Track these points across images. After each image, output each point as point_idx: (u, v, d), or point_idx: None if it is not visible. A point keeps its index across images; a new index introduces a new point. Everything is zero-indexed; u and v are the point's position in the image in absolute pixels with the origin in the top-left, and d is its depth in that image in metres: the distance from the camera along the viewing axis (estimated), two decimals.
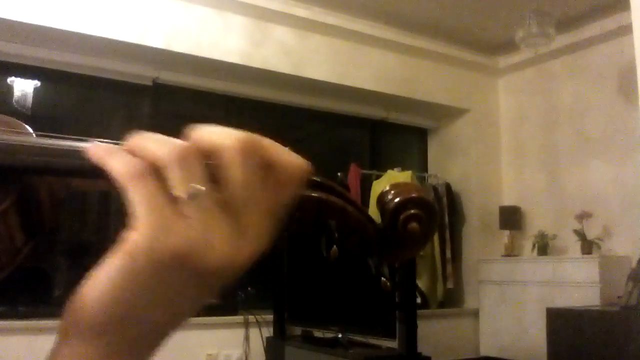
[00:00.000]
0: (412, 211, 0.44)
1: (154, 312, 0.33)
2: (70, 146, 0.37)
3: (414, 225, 0.43)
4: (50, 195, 0.39)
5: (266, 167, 0.36)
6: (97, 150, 0.35)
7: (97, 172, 0.34)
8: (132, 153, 0.34)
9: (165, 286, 0.33)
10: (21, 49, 3.71)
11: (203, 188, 0.33)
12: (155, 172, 0.33)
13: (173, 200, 0.32)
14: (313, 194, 0.42)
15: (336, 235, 0.43)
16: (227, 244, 0.33)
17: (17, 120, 0.45)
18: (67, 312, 0.33)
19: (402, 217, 0.44)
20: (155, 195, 0.32)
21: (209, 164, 0.34)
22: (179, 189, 0.32)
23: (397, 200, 0.44)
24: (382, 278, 0.45)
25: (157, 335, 0.34)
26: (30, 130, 0.45)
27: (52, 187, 0.38)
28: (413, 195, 0.44)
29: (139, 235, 0.32)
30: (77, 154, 0.36)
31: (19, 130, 0.41)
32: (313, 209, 0.42)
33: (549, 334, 3.88)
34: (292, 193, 0.37)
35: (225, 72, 4.25)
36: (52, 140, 0.37)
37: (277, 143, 0.38)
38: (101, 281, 0.32)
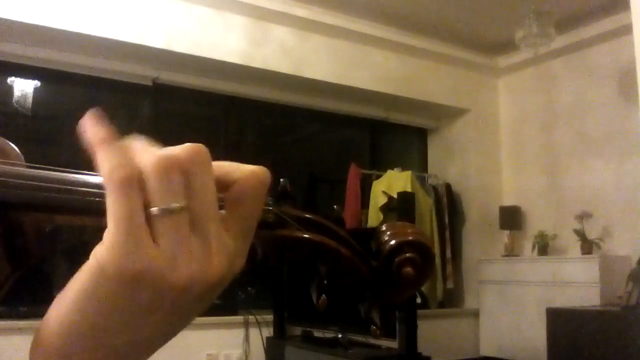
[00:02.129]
0: (408, 255, 0.42)
1: (119, 335, 0.32)
2: (59, 181, 0.36)
3: (408, 270, 0.42)
4: (35, 228, 0.38)
5: (223, 184, 0.34)
6: (94, 134, 0.33)
7: (84, 211, 0.32)
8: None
9: (130, 308, 0.31)
10: (21, 49, 3.71)
11: (177, 205, 0.31)
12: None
13: (148, 214, 0.31)
14: (305, 236, 0.40)
15: (326, 282, 0.42)
16: (194, 263, 0.31)
17: (3, 141, 0.44)
18: (36, 333, 0.32)
19: (397, 260, 0.42)
20: (132, 209, 0.30)
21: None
22: (154, 203, 0.31)
23: (392, 242, 0.43)
24: (372, 326, 0.44)
25: None
26: (17, 150, 0.44)
27: (38, 220, 0.38)
28: (409, 238, 0.43)
29: (106, 252, 0.30)
30: (66, 190, 0.35)
31: (6, 160, 0.40)
32: (304, 251, 0.41)
33: (549, 334, 3.88)
34: (256, 206, 0.35)
35: (225, 72, 4.25)
36: (42, 172, 0.36)
37: (221, 162, 0.36)
38: (65, 301, 0.31)
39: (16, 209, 0.36)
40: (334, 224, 0.43)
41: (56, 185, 0.35)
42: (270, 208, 0.40)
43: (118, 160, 0.31)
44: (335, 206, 0.47)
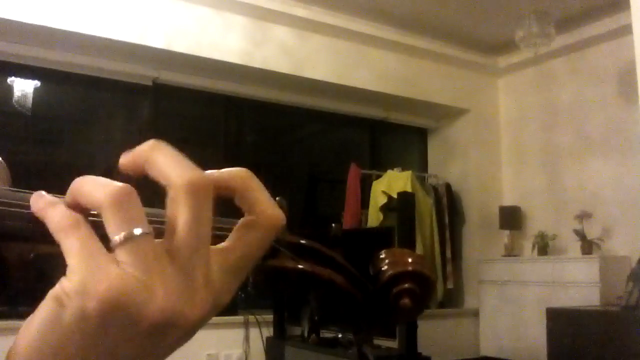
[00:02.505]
0: (406, 285, 0.41)
1: None
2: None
3: (405, 301, 0.41)
4: (17, 257, 0.37)
5: (242, 207, 0.34)
6: (37, 203, 0.33)
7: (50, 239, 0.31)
8: (73, 200, 0.32)
9: (98, 339, 0.30)
10: (21, 49, 3.71)
11: (140, 230, 0.30)
12: (93, 219, 0.31)
13: (111, 248, 0.30)
14: (298, 266, 0.39)
15: (316, 318, 0.40)
16: (173, 294, 0.30)
17: None
18: (7, 356, 0.31)
19: (394, 290, 0.41)
20: (88, 242, 0.30)
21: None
22: (114, 233, 0.30)
23: (390, 272, 0.41)
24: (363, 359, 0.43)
25: None
26: (5, 167, 0.43)
27: (20, 249, 0.37)
28: (409, 268, 0.41)
29: (68, 282, 0.29)
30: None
31: None
32: (296, 281, 0.39)
33: (549, 334, 3.88)
34: (262, 247, 0.34)
35: (225, 72, 4.25)
36: (24, 195, 0.34)
37: (260, 184, 0.35)
38: (29, 329, 0.30)
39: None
40: (330, 248, 0.41)
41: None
42: None
43: (59, 212, 0.31)
44: (333, 225, 0.45)
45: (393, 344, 2.97)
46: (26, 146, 3.97)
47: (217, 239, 0.33)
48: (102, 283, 0.29)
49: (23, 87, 3.85)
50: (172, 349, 0.32)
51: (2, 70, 3.78)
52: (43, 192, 0.33)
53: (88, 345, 0.30)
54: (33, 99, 3.87)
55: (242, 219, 0.34)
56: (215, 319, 3.82)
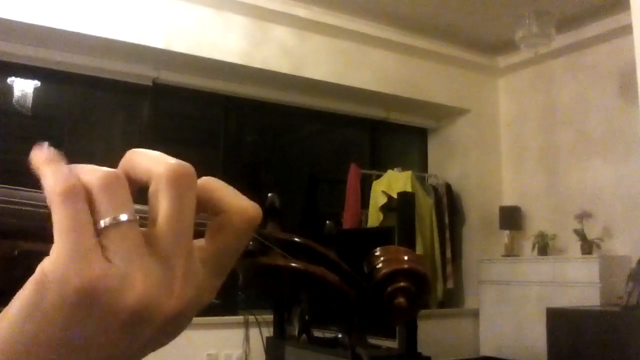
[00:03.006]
0: (402, 284, 0.39)
1: (64, 355, 0.29)
2: (25, 202, 0.33)
3: (400, 300, 0.39)
4: (0, 255, 0.36)
5: (212, 209, 0.33)
6: (37, 156, 0.31)
7: (48, 238, 0.30)
8: None
9: (76, 326, 0.29)
10: (21, 49, 3.71)
11: (125, 217, 0.30)
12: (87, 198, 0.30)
13: (98, 230, 0.30)
14: (290, 264, 0.38)
15: (307, 317, 0.39)
16: (152, 285, 0.29)
17: None
18: None
19: (389, 289, 0.40)
20: (79, 220, 0.29)
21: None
22: (99, 217, 0.30)
23: (385, 271, 0.40)
24: None
25: None
26: None
27: (2, 245, 0.36)
28: (404, 266, 0.40)
29: (50, 264, 0.29)
30: (30, 213, 0.32)
31: None
32: (288, 279, 0.38)
33: (549, 334, 3.88)
34: (238, 245, 0.33)
35: (225, 72, 4.25)
36: (6, 190, 0.33)
37: (224, 183, 0.34)
38: (9, 313, 0.29)
39: None
40: (323, 245, 0.40)
41: (23, 209, 0.32)
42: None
43: (61, 174, 0.30)
44: (327, 222, 0.44)
45: (393, 344, 2.97)
46: (26, 146, 3.95)
47: (199, 235, 0.33)
48: (82, 270, 0.28)
49: (23, 87, 3.85)
50: (147, 347, 0.31)
51: (2, 70, 3.78)
52: (45, 145, 0.32)
53: (65, 332, 0.29)
54: (33, 99, 3.87)
55: (212, 219, 0.33)
56: (215, 319, 3.84)
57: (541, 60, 4.86)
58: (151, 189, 0.31)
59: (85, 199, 0.30)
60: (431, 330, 4.42)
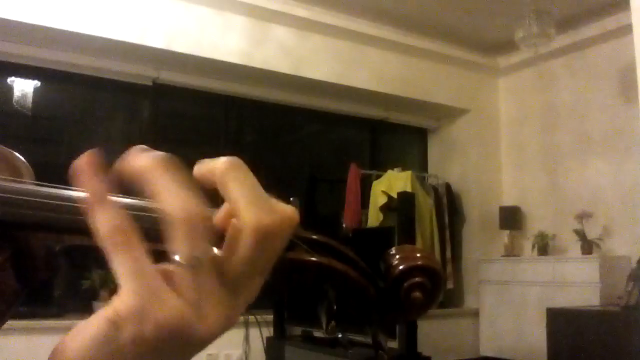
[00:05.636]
0: (417, 279, 0.42)
1: None
2: (70, 199, 0.33)
3: (417, 294, 0.42)
4: (44, 248, 0.37)
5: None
6: (90, 190, 0.31)
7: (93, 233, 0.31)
8: (129, 178, 0.31)
9: (148, 357, 0.30)
10: (21, 49, 3.71)
11: (202, 255, 0.30)
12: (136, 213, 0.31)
13: (166, 264, 0.30)
14: (313, 259, 0.39)
15: (335, 307, 0.41)
16: (222, 316, 0.31)
17: (12, 153, 0.43)
18: (53, 353, 0.31)
19: (405, 284, 0.42)
20: (141, 264, 0.30)
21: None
22: (178, 252, 0.30)
23: (401, 267, 0.42)
24: (379, 350, 0.43)
25: None
26: (27, 165, 0.43)
27: (47, 240, 0.37)
28: (419, 262, 0.42)
29: (123, 305, 0.29)
30: (76, 209, 0.33)
31: (17, 179, 0.39)
32: (312, 274, 0.40)
33: (549, 334, 3.88)
34: (281, 247, 0.33)
35: (225, 72, 4.25)
36: (52, 190, 0.34)
37: (237, 178, 0.33)
38: (81, 341, 0.30)
39: (26, 230, 0.35)
40: (342, 244, 0.42)
41: (66, 204, 0.34)
42: None
43: (116, 224, 0.30)
44: (344, 225, 0.46)
45: (393, 344, 2.97)
46: (26, 146, 3.96)
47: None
48: (159, 310, 0.29)
49: (23, 87, 3.85)
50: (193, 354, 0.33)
51: (2, 70, 3.78)
52: (97, 166, 0.31)
53: None
54: (33, 99, 3.87)
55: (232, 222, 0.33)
56: None
57: (541, 60, 4.86)
58: (238, 230, 0.31)
59: (139, 242, 0.30)
60: (431, 330, 4.42)
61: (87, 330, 0.30)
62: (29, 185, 0.36)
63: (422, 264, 0.42)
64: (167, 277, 0.30)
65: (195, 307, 0.30)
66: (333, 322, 0.41)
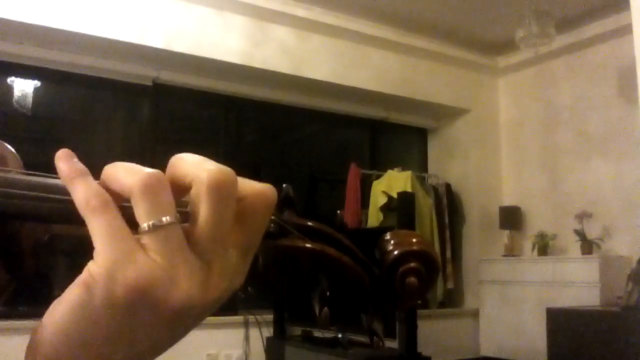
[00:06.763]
0: (412, 264, 0.42)
1: (112, 350, 0.31)
2: (57, 189, 0.34)
3: (412, 279, 0.41)
4: (32, 237, 0.37)
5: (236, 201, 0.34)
6: (66, 169, 0.33)
7: (82, 220, 0.32)
8: (104, 185, 0.32)
9: (124, 324, 0.31)
10: (21, 49, 3.71)
11: (168, 219, 0.31)
12: (124, 202, 0.32)
13: (138, 232, 0.31)
14: (307, 245, 0.40)
15: (328, 294, 0.41)
16: (194, 282, 0.31)
17: (3, 147, 0.43)
18: (32, 335, 0.32)
19: (400, 270, 0.42)
20: (116, 226, 0.31)
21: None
22: (142, 220, 0.31)
23: (396, 252, 0.42)
24: (375, 337, 0.43)
25: None
26: (16, 155, 0.43)
27: (34, 229, 0.37)
28: (414, 248, 0.42)
29: (96, 267, 0.30)
30: (63, 199, 0.33)
31: (3, 168, 0.39)
32: (306, 260, 0.40)
33: (549, 334, 3.88)
34: (261, 225, 0.34)
35: (225, 72, 4.25)
36: (40, 179, 0.35)
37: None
38: (57, 313, 0.31)
39: (13, 219, 0.35)
40: (337, 232, 0.42)
41: (54, 195, 0.34)
42: (272, 217, 0.39)
43: (89, 190, 0.32)
44: (338, 212, 0.46)
45: (393, 344, 2.97)
46: (26, 146, 3.96)
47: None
48: (130, 270, 0.30)
49: (23, 87, 3.85)
50: (185, 332, 0.33)
51: (2, 70, 3.78)
52: (73, 155, 0.33)
53: (113, 329, 0.31)
54: (33, 99, 3.87)
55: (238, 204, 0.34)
56: (215, 319, 3.84)
57: (541, 60, 4.86)
58: (192, 192, 0.32)
59: (116, 207, 0.31)
60: (431, 330, 4.42)
61: (65, 297, 0.31)
62: (15, 175, 0.36)
63: (417, 249, 0.42)
64: (141, 242, 0.31)
65: (166, 270, 0.30)
66: (326, 309, 0.41)
